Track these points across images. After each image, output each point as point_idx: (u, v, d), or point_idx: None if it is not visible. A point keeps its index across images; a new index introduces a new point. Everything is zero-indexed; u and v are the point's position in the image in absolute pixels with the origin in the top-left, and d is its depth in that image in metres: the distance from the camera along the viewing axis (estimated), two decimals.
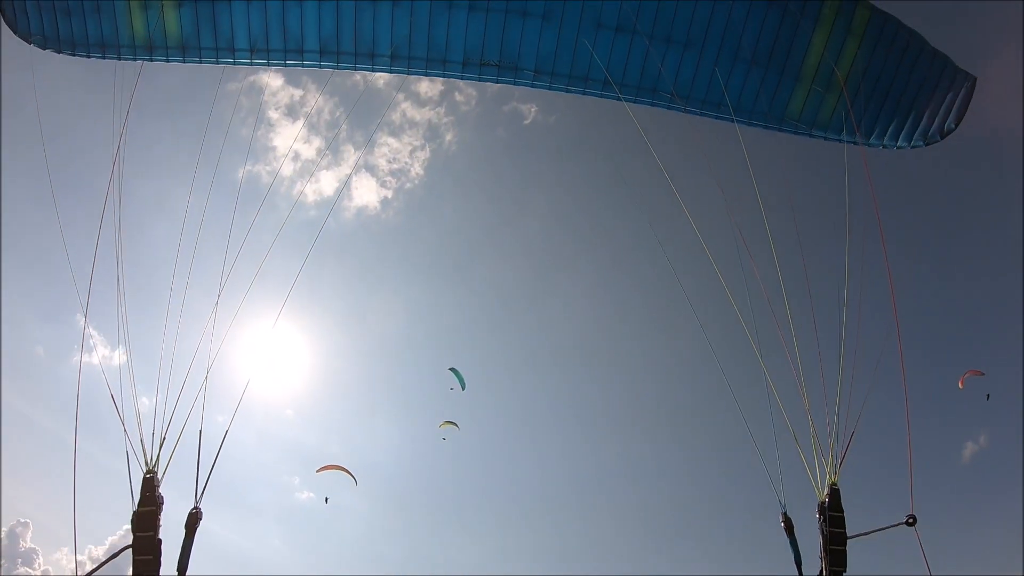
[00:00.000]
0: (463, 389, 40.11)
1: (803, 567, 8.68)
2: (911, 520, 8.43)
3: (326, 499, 45.59)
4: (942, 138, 13.91)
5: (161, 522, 8.36)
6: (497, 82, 13.42)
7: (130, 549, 8.18)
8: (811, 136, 14.27)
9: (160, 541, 8.27)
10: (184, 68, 12.59)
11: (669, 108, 13.99)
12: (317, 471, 40.71)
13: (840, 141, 14.27)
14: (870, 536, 8.61)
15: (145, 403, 9.19)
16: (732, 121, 13.82)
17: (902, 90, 13.10)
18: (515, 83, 13.52)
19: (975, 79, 12.94)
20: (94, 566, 8.28)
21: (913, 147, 14.22)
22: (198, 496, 8.80)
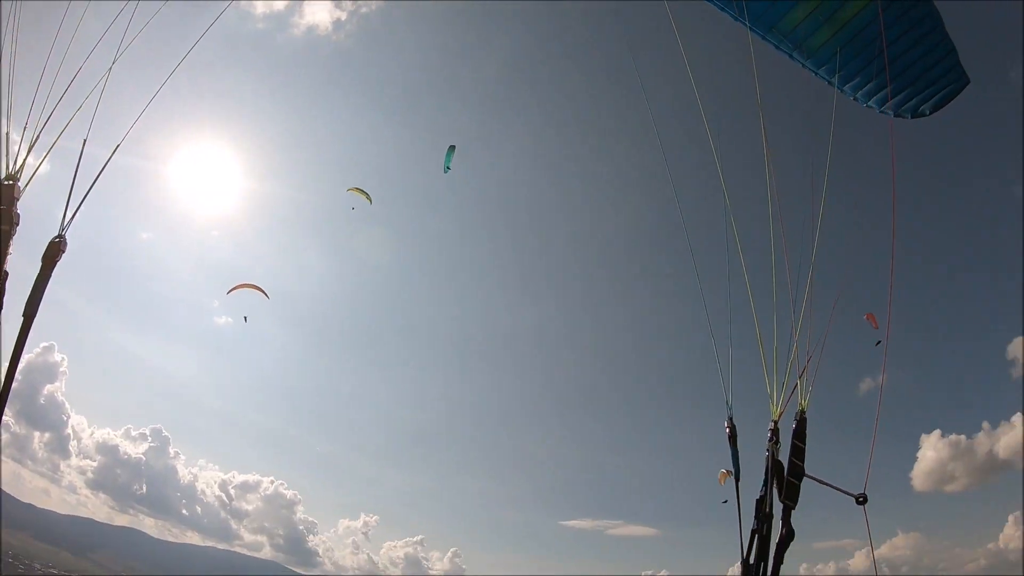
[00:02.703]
0: (445, 171, 39.00)
1: (739, 482, 7.84)
2: (862, 499, 7.60)
3: (245, 318, 45.50)
4: (911, 117, 13.64)
5: (11, 250, 6.41)
6: None
7: None
8: (791, 57, 13.25)
9: (6, 274, 6.30)
10: None
11: None
12: (228, 292, 40.96)
13: (815, 74, 13.34)
14: (820, 486, 7.71)
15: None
16: (720, 9, 12.43)
17: (896, 55, 12.56)
18: None
19: (968, 82, 12.61)
20: None
21: (881, 112, 13.73)
22: (65, 223, 6.80)
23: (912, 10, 12.10)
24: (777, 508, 7.24)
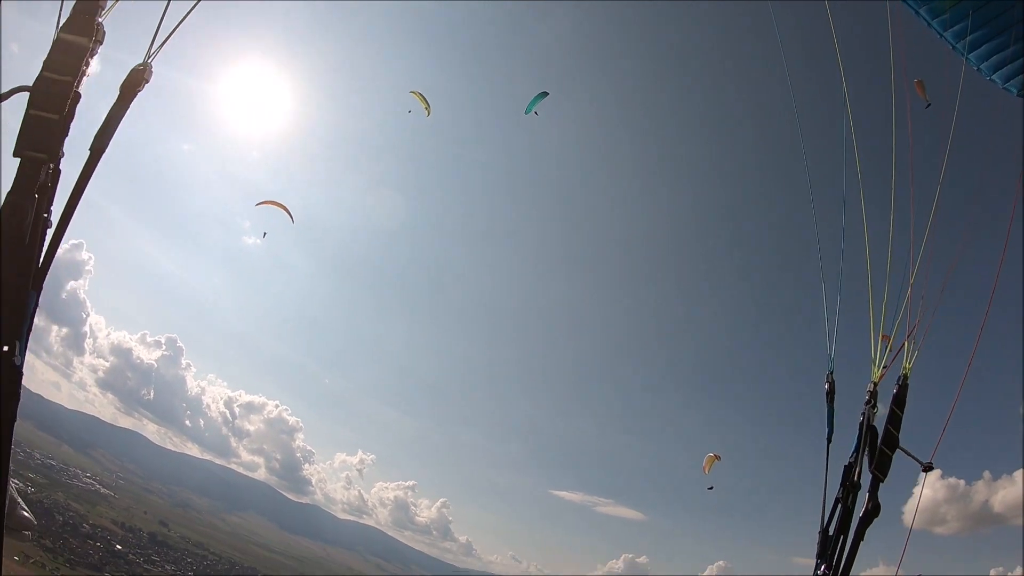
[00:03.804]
0: (526, 112, 40.28)
1: (831, 444, 7.08)
2: (928, 467, 7.04)
3: (264, 234, 48.76)
4: None
5: (89, 68, 5.03)
6: None
7: (23, 94, 4.90)
8: (916, 13, 11.99)
9: (78, 96, 5.06)
10: None
11: None
12: (257, 204, 42.84)
13: (940, 36, 12.12)
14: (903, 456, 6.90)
15: None
16: None
17: None
18: None
19: None
20: None
21: (1004, 88, 12.49)
22: (152, 49, 5.48)
23: None
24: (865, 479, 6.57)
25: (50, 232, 4.88)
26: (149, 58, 5.49)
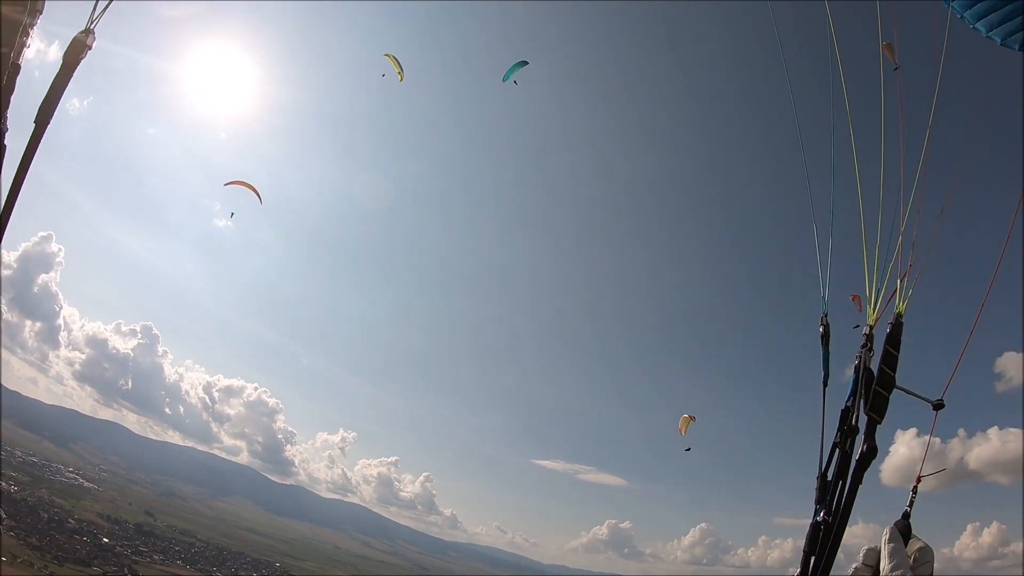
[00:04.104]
0: (504, 80, 41.88)
1: (827, 388, 6.86)
2: (939, 404, 6.58)
3: (232, 214, 50.28)
4: (1018, 49, 12.29)
5: (30, 40, 4.98)
6: None
7: None
8: None
9: (17, 67, 4.98)
10: None
11: None
12: (225, 184, 45.22)
13: None
14: (905, 396, 6.55)
15: None
16: None
17: None
18: None
19: None
20: None
21: (987, 37, 12.40)
22: (95, 15, 5.38)
23: None
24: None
25: None
26: (92, 24, 5.41)
